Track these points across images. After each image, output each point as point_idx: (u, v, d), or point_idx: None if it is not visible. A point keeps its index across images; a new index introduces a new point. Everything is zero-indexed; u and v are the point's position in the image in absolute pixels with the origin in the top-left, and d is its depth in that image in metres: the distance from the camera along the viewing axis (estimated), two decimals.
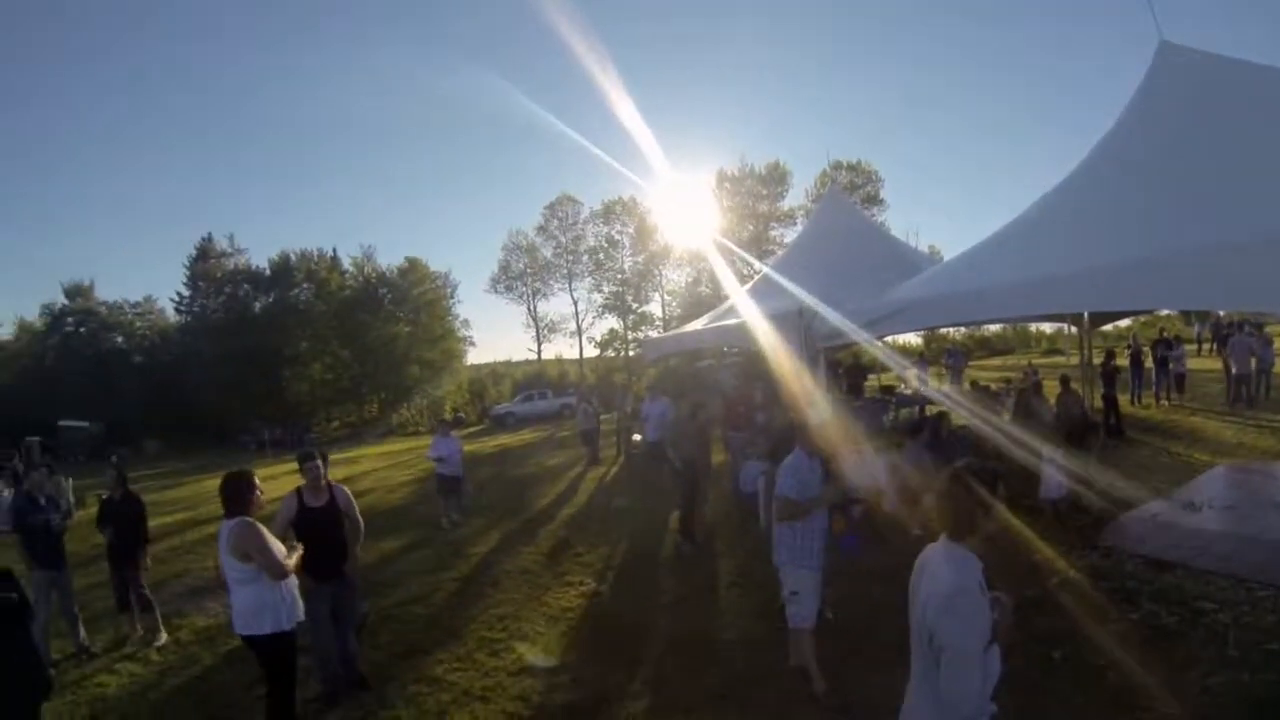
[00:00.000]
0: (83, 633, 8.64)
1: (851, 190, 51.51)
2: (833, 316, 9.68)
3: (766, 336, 10.81)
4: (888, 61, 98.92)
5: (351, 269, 55.47)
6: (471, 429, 39.07)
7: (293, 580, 5.57)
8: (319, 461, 6.54)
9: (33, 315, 57.52)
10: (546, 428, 34.05)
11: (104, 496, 9.23)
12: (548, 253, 60.56)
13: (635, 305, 58.63)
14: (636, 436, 17.05)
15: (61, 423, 41.61)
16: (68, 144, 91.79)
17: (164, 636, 8.78)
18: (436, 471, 13.70)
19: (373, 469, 24.65)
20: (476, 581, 9.82)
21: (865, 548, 8.65)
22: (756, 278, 16.48)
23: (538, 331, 61.80)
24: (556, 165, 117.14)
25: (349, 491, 6.74)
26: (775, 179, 57.17)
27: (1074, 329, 16.04)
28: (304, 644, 6.13)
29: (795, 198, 57.46)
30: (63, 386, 48.04)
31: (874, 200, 55.46)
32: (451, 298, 57.49)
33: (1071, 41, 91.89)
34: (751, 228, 55.84)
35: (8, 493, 17.86)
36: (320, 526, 6.28)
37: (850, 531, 8.50)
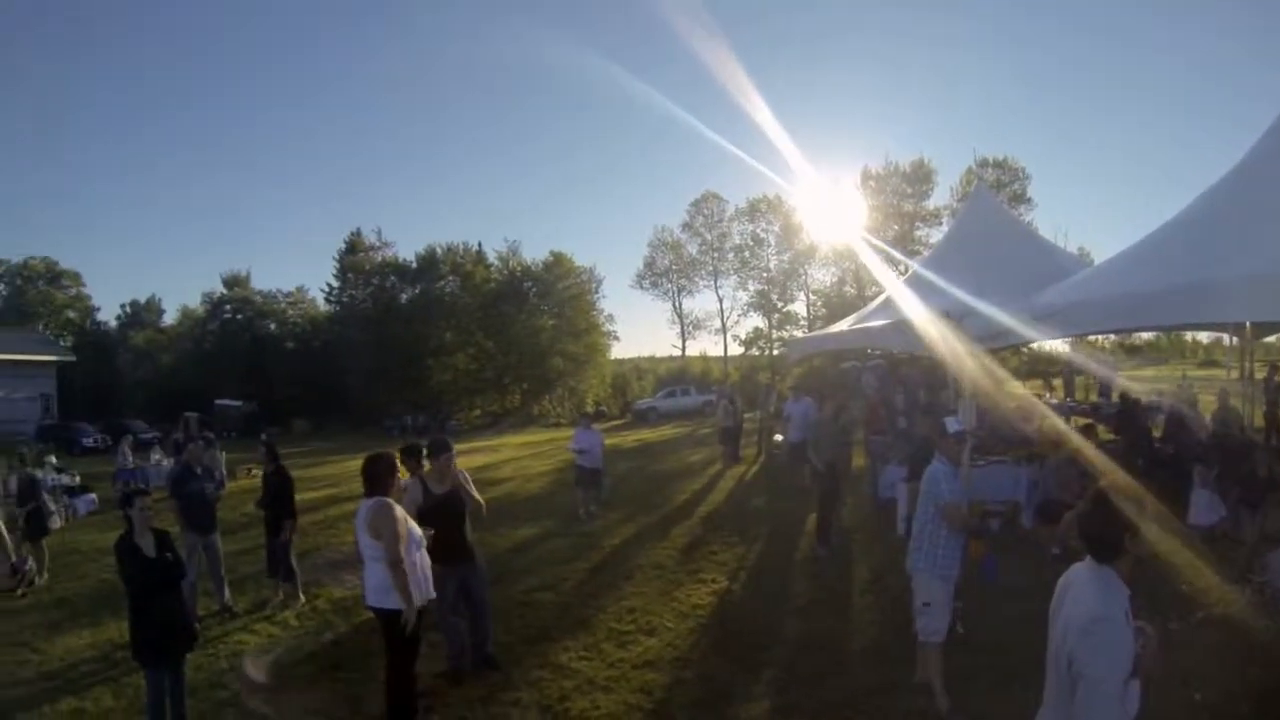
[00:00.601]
0: (227, 593, 9.39)
1: (998, 188, 49.36)
2: (997, 314, 9.32)
3: (926, 337, 10.50)
4: (1035, 51, 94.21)
5: (497, 263, 57.37)
6: (613, 423, 39.71)
7: (425, 560, 5.81)
8: (453, 453, 6.86)
9: (194, 303, 64.45)
10: (688, 424, 34.33)
11: (266, 471, 9.87)
12: (693, 249, 60.94)
13: (780, 304, 58.53)
14: (778, 436, 17.02)
15: (218, 401, 45.88)
16: (224, 144, 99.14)
17: (301, 602, 9.38)
18: (576, 463, 14.02)
19: (513, 458, 25.36)
20: (609, 573, 9.99)
21: (1002, 567, 8.33)
22: (903, 278, 16.08)
23: (682, 328, 62.46)
24: (700, 163, 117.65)
25: (466, 472, 7.02)
26: (920, 177, 55.53)
27: (1234, 339, 14.89)
28: (432, 622, 6.45)
29: (940, 196, 55.86)
30: (220, 368, 53.25)
31: (1021, 199, 53.02)
32: (596, 292, 58.49)
33: (1232, 24, 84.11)
34: (896, 227, 54.44)
35: (167, 462, 19.39)
36: (445, 512, 6.54)
37: (989, 552, 8.22)
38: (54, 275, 66.50)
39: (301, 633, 8.48)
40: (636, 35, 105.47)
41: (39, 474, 13.76)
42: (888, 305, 13.19)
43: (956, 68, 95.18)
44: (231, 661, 7.70)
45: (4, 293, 65.06)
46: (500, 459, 25.04)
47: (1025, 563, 8.31)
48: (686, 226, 60.54)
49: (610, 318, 59.79)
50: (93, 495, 18.90)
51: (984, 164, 53.36)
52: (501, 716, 6.09)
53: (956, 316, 9.70)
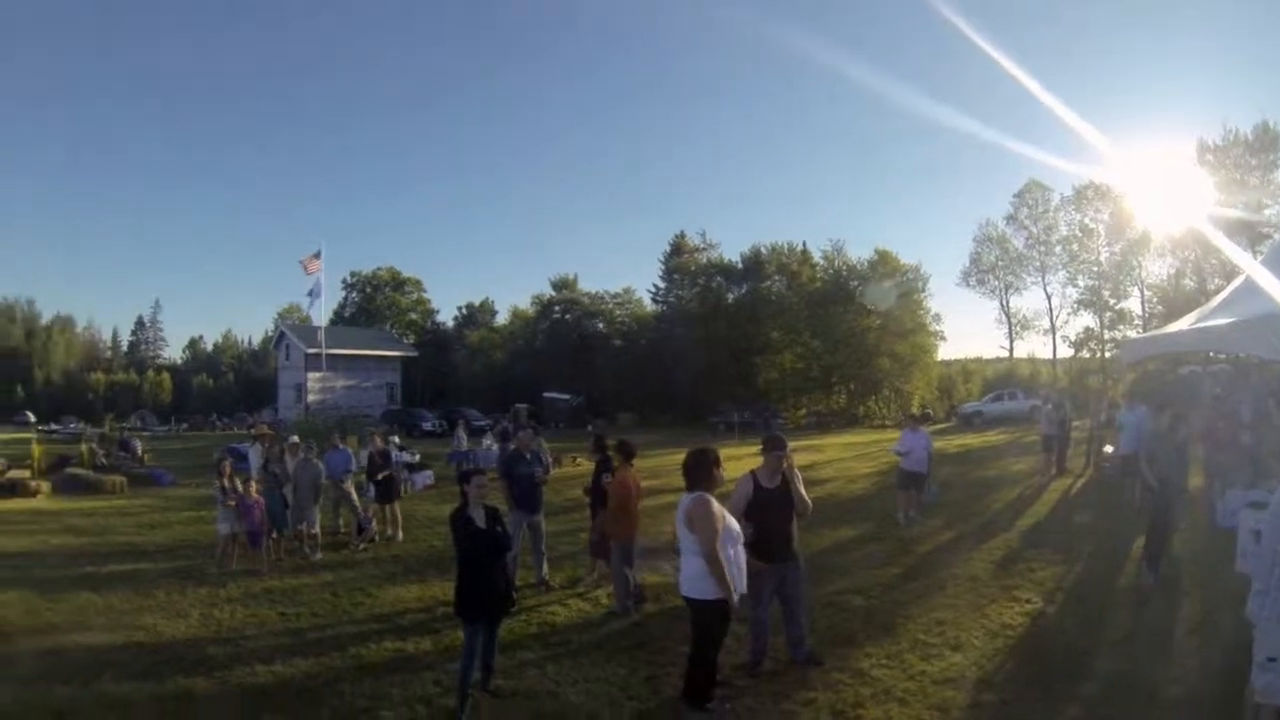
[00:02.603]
0: (545, 569, 10.36)
1: None
2: None
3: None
4: None
5: (822, 261, 57.42)
6: (938, 426, 38.41)
7: (741, 556, 6.06)
8: (787, 452, 6.98)
9: (524, 304, 72.89)
10: (1015, 430, 32.65)
11: (596, 461, 10.79)
12: (1019, 244, 58.06)
13: (1112, 301, 53.26)
14: (1108, 448, 15.96)
15: (545, 394, 50.73)
16: (550, 157, 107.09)
17: None
18: (899, 466, 13.86)
19: (836, 458, 25.58)
20: (921, 581, 9.79)
21: None
22: (1256, 263, 14.02)
23: (1010, 328, 59.93)
24: (1018, 152, 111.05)
25: (798, 470, 7.15)
26: (1265, 144, 46.60)
27: None
28: (742, 615, 6.62)
29: None
30: (548, 364, 58.65)
31: None
32: (923, 291, 56.25)
33: None
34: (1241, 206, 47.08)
35: (496, 447, 21.52)
36: (773, 508, 6.75)
37: None
38: (399, 283, 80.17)
39: (611, 611, 9.05)
40: (943, 25, 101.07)
41: (389, 449, 16.04)
42: (1233, 300, 11.51)
43: None
44: (541, 628, 8.50)
45: (357, 299, 79.09)
46: (824, 459, 25.33)
47: None
48: (1011, 219, 58.09)
49: (937, 317, 57.34)
50: (430, 472, 21.84)
51: None
52: (792, 715, 6.16)
53: None
